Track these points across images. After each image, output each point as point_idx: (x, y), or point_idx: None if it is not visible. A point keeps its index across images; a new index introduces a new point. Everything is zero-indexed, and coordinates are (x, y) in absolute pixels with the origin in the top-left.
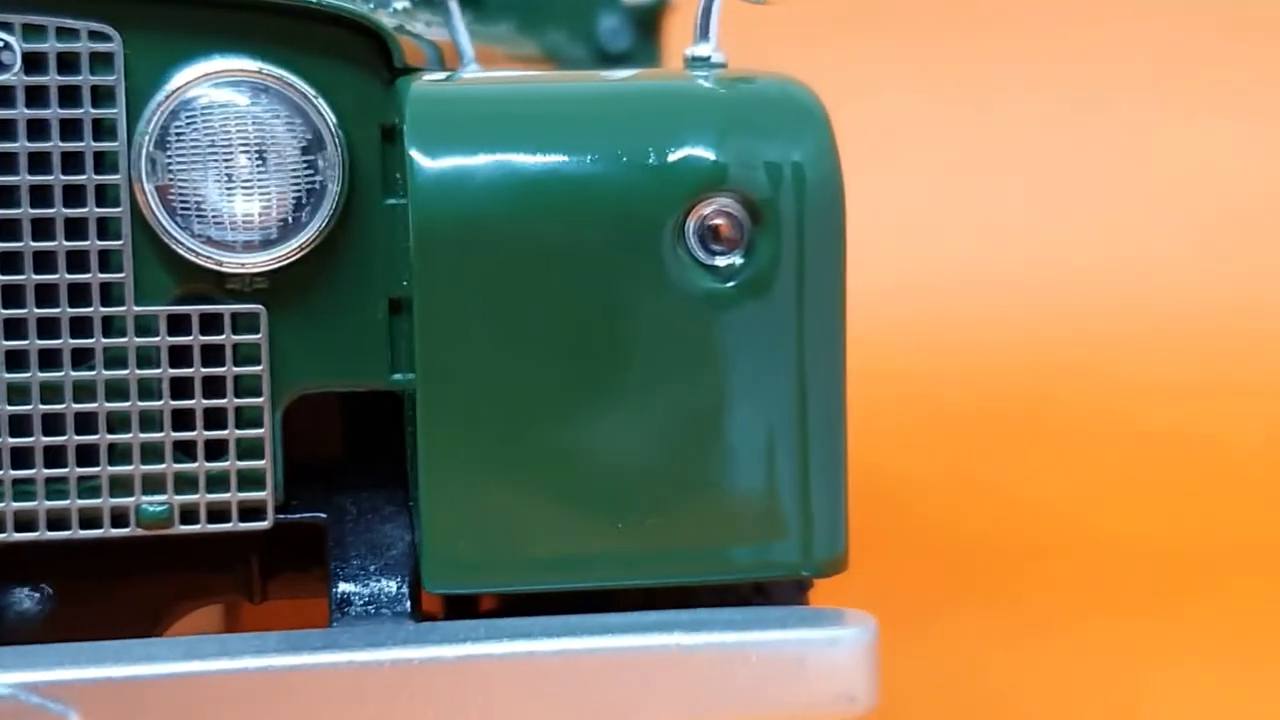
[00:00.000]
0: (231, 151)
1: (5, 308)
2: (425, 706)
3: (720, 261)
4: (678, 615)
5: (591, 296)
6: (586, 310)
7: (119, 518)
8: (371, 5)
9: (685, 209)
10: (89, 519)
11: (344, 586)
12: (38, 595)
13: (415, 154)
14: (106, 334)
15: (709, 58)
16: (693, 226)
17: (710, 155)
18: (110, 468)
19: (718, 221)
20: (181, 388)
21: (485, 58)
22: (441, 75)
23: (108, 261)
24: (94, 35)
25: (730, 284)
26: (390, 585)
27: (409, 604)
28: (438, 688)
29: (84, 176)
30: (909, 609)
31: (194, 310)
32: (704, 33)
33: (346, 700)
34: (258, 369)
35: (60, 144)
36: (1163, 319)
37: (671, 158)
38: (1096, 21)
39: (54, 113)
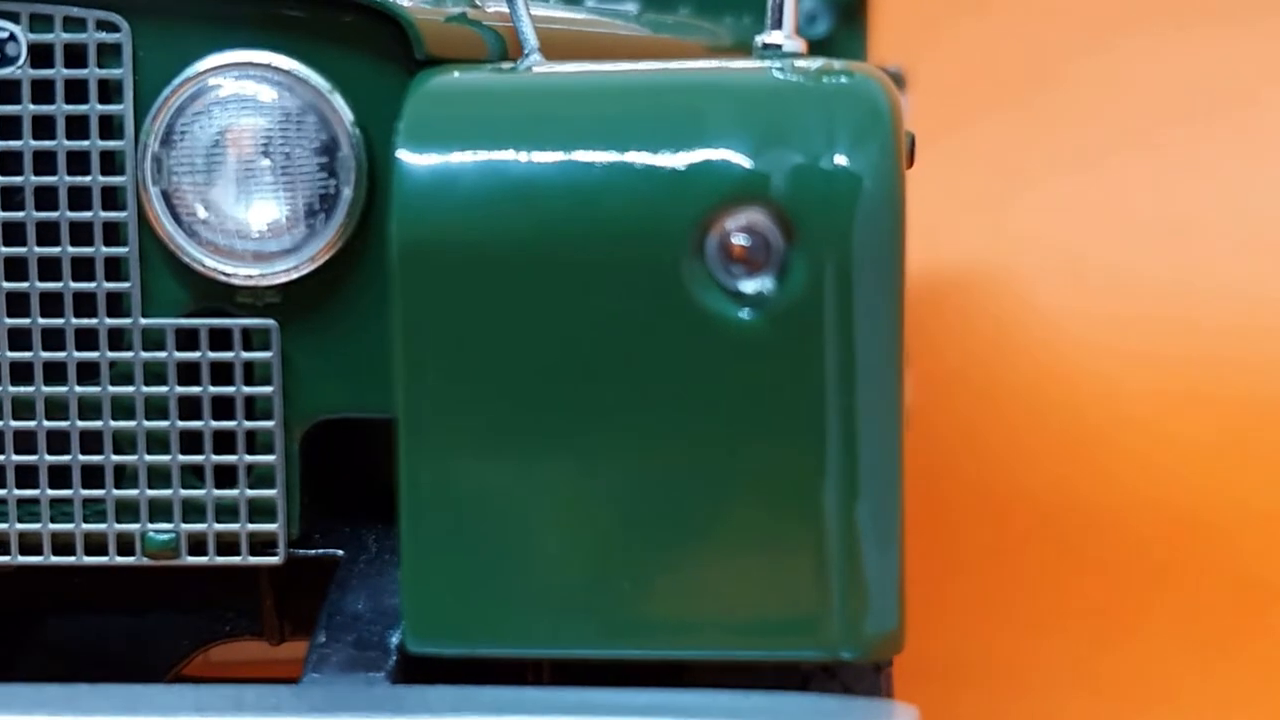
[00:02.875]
0: (240, 152)
1: (10, 318)
2: None
3: (746, 286)
4: (673, 697)
5: (596, 324)
6: (590, 340)
7: (125, 545)
8: None
9: (704, 222)
10: (95, 545)
11: (325, 636)
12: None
13: (403, 156)
14: (112, 348)
15: (781, 46)
16: (714, 243)
17: (738, 158)
18: (116, 491)
19: (739, 238)
20: (190, 407)
21: (649, 49)
22: (481, 69)
23: (114, 271)
24: (102, 25)
25: (759, 313)
26: (377, 640)
27: (393, 662)
28: None
29: (89, 178)
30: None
31: (201, 325)
32: (777, 19)
33: None
34: (269, 390)
35: (66, 143)
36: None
37: (691, 160)
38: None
39: (59, 109)
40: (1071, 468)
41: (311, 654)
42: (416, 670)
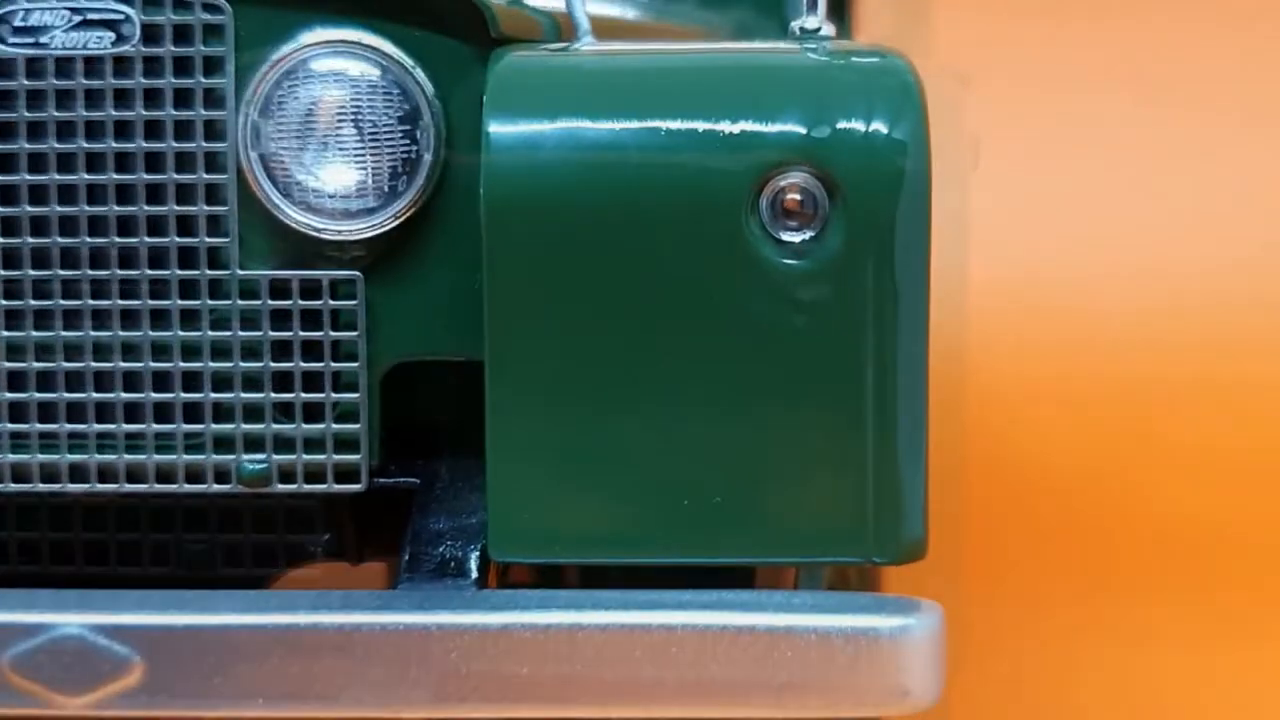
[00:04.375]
0: (331, 120)
1: (121, 269)
2: (468, 667)
3: (792, 237)
4: (728, 595)
5: (663, 270)
6: (658, 284)
7: (221, 475)
8: None
9: (760, 182)
10: (194, 475)
11: (414, 549)
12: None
13: (492, 125)
14: (212, 296)
15: (818, 29)
16: (766, 199)
17: (788, 127)
18: (214, 425)
19: (792, 195)
20: (282, 351)
21: (655, 34)
22: (546, 48)
23: (215, 227)
24: (207, 7)
25: (801, 261)
26: (459, 552)
27: (475, 572)
28: (482, 652)
29: (194, 144)
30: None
31: (294, 276)
32: (813, 6)
33: (394, 660)
34: (354, 334)
35: (173, 112)
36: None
37: (747, 129)
38: None
39: (168, 82)
40: None
41: (403, 565)
42: (496, 580)
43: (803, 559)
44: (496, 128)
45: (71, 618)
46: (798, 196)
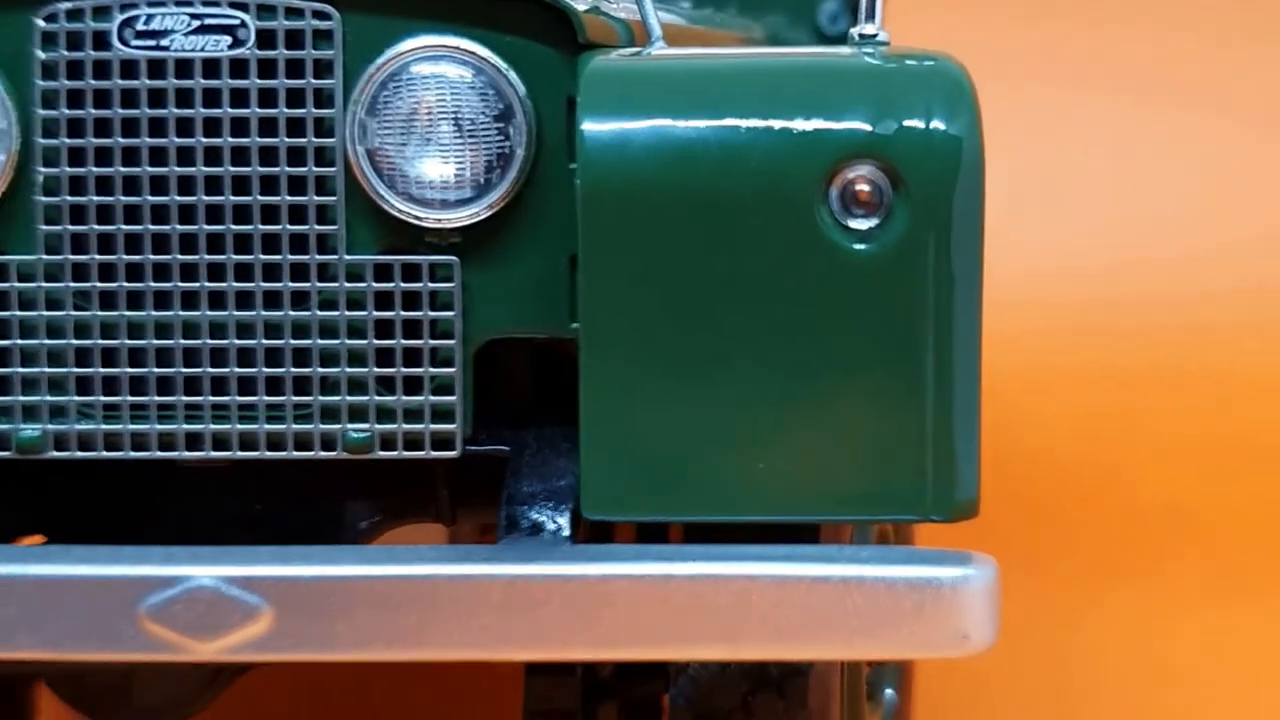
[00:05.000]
0: (432, 119)
1: (236, 254)
2: (572, 615)
3: (859, 224)
4: (809, 550)
5: (741, 253)
6: (736, 266)
7: (328, 443)
8: None
9: (829, 173)
10: (302, 443)
11: (511, 510)
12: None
13: (586, 123)
14: (321, 279)
15: (875, 35)
16: (835, 190)
17: (855, 124)
18: (322, 398)
19: (860, 186)
20: (384, 329)
21: (705, 39)
22: (623, 52)
23: (324, 215)
24: (317, 14)
25: (868, 245)
26: (552, 512)
27: (568, 530)
28: (576, 600)
29: (305, 139)
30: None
31: (395, 260)
32: (870, 14)
33: (502, 606)
34: (451, 314)
35: (286, 110)
36: None
37: (818, 125)
38: None
39: (281, 83)
40: None
41: (502, 524)
42: (588, 537)
43: (867, 517)
44: (590, 126)
45: (206, 570)
46: (866, 187)
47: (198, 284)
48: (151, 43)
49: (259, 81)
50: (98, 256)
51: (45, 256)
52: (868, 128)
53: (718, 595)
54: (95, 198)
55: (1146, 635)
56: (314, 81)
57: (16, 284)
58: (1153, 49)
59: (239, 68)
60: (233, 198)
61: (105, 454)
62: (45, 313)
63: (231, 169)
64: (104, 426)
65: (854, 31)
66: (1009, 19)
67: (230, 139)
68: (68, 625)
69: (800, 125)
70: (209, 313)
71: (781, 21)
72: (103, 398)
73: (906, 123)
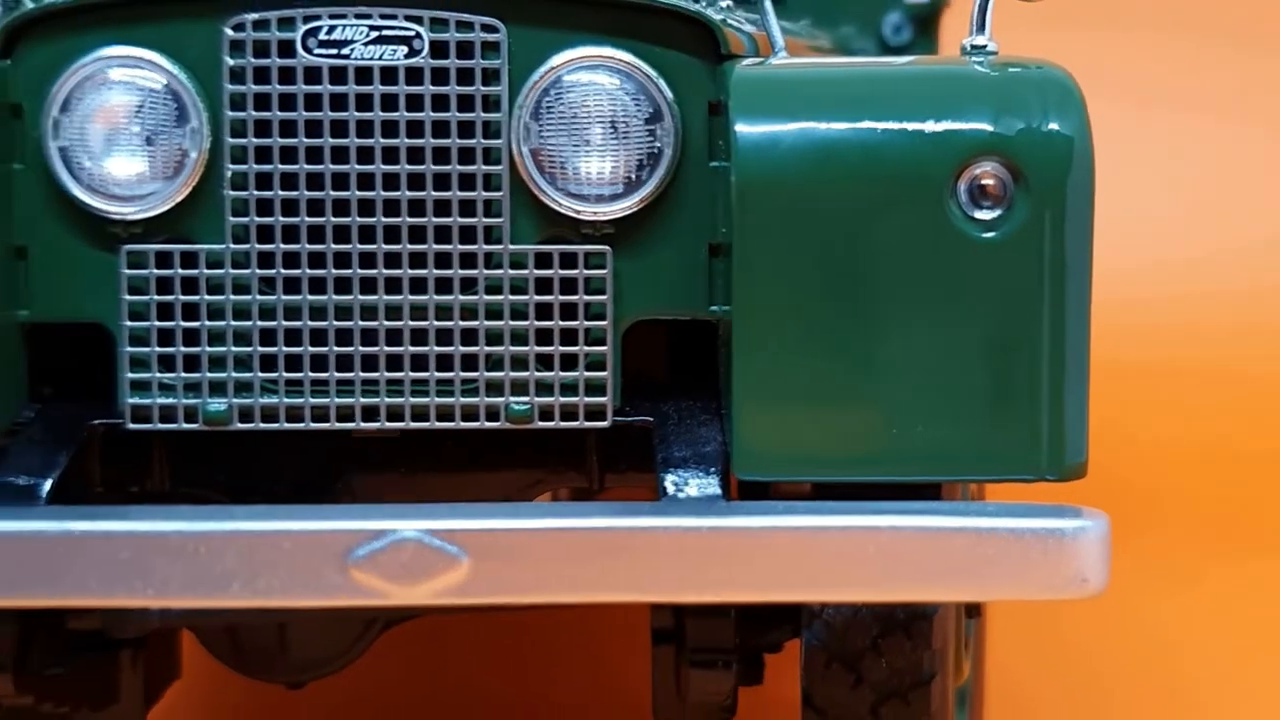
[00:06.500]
0: (590, 122)
1: (410, 244)
2: (733, 562)
3: (985, 215)
4: (942, 505)
5: (878, 240)
6: (874, 252)
7: (492, 414)
8: (703, 4)
9: (958, 169)
10: (468, 414)
11: (668, 472)
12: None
13: (739, 125)
14: (487, 266)
15: (985, 46)
16: (964, 185)
17: (980, 125)
18: (487, 373)
19: (986, 181)
20: (543, 312)
21: (790, 48)
22: (758, 61)
23: (490, 209)
24: (485, 27)
25: (993, 233)
26: (705, 474)
27: (718, 490)
28: (740, 549)
29: (474, 140)
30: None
31: (554, 249)
32: (980, 26)
33: (672, 557)
34: (603, 298)
35: (457, 114)
36: None
37: (947, 126)
38: None
39: (452, 89)
40: None
41: (661, 485)
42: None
43: (991, 477)
44: (743, 128)
45: (410, 524)
46: (992, 181)
47: (375, 271)
48: (333, 51)
49: (432, 88)
50: (282, 246)
51: (232, 246)
52: (991, 128)
53: (866, 545)
54: (280, 192)
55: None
56: (482, 88)
57: (205, 271)
58: (1152, 55)
59: (414, 75)
60: (408, 193)
61: (287, 425)
62: (232, 297)
63: (407, 167)
64: (287, 400)
65: (966, 42)
66: (1010, 25)
67: (406, 140)
68: (280, 575)
69: (931, 126)
70: (385, 297)
71: (850, 32)
72: (285, 374)
73: (1026, 124)
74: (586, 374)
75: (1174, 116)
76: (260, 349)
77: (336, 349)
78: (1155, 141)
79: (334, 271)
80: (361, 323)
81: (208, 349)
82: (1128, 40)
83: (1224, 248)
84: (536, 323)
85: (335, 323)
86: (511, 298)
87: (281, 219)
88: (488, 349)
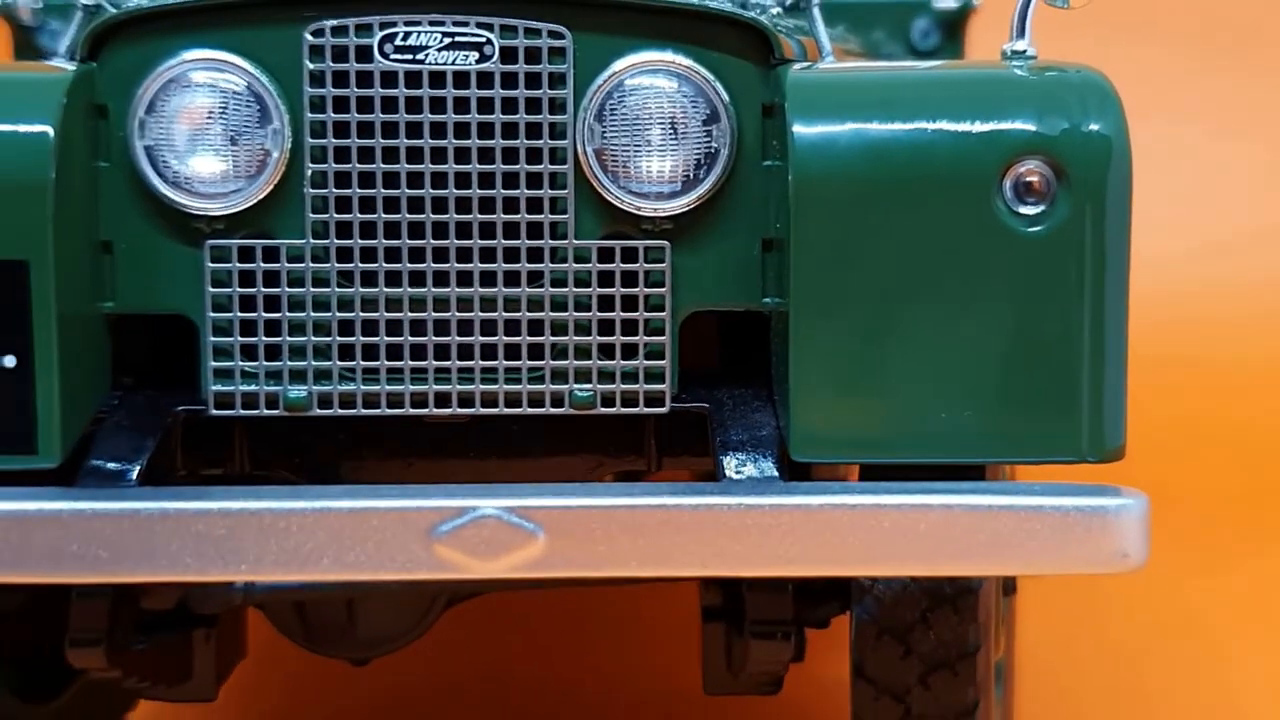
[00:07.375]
0: (651, 123)
1: (480, 240)
2: (793, 538)
3: (1029, 210)
4: (989, 485)
5: (929, 234)
6: (925, 245)
7: (557, 400)
8: (756, 11)
9: (1004, 167)
10: (534, 400)
11: (726, 454)
12: None
13: (796, 126)
14: (553, 260)
15: (1025, 51)
16: (1009, 182)
17: (1024, 125)
18: (552, 362)
19: (1031, 178)
20: (605, 303)
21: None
22: (809, 65)
23: (555, 206)
24: (552, 34)
25: (1037, 228)
26: (762, 457)
27: (775, 471)
28: (801, 526)
29: (541, 141)
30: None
31: (617, 244)
32: (1020, 31)
33: (737, 533)
34: (662, 290)
35: (525, 117)
36: None
37: (994, 127)
38: None
39: (521, 92)
40: None
41: (720, 467)
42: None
43: (1034, 459)
44: (800, 129)
45: (490, 502)
46: (1036, 179)
47: (447, 264)
48: (409, 56)
49: (502, 91)
50: (360, 241)
51: (312, 241)
52: (1035, 129)
53: (918, 522)
54: (358, 190)
55: None
56: (549, 92)
57: (286, 264)
58: (1152, 63)
59: (485, 79)
60: (479, 191)
61: (364, 411)
62: (312, 289)
63: (478, 166)
64: (364, 387)
65: (1006, 47)
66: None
67: (477, 141)
68: (369, 551)
69: (978, 127)
70: (456, 289)
71: (881, 37)
72: (363, 363)
73: (1068, 124)
74: (646, 362)
75: (1169, 127)
76: (339, 339)
77: (411, 339)
78: (1150, 146)
79: (408, 265)
80: (434, 314)
81: (288, 339)
82: (1128, 47)
83: None
84: (599, 314)
85: (409, 314)
86: (576, 290)
87: (359, 216)
88: (553, 339)
